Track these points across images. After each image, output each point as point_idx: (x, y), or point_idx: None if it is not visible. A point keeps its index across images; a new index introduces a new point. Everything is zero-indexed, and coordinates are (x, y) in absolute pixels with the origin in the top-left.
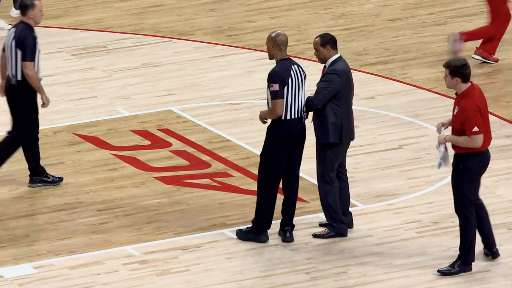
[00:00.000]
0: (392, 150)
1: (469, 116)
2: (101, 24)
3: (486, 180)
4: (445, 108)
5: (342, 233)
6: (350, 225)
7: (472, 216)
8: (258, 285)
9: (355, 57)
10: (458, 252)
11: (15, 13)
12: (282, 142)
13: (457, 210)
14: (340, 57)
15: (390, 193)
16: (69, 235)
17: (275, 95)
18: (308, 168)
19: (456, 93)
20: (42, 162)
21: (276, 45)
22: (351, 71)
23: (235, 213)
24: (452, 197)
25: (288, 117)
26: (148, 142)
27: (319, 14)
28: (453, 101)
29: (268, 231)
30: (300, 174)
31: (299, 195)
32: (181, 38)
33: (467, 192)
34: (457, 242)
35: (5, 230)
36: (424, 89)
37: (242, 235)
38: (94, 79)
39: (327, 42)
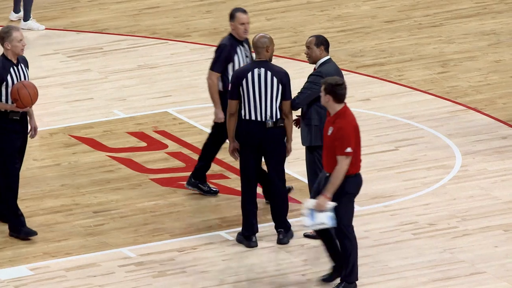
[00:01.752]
0: (388, 151)
1: (345, 136)
2: (97, 26)
3: (482, 181)
4: (441, 110)
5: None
6: None
7: (353, 236)
8: (254, 287)
9: (351, 58)
10: (343, 274)
11: (15, 16)
12: (241, 141)
13: (337, 233)
14: (330, 59)
15: (386, 195)
16: (65, 237)
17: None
18: (302, 170)
19: (328, 113)
20: (38, 164)
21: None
22: (347, 73)
23: (231, 215)
24: (448, 198)
25: (248, 118)
26: (144, 144)
27: (316, 16)
28: (449, 103)
29: (263, 233)
30: (295, 175)
31: (294, 196)
32: (177, 40)
33: (347, 213)
34: (453, 243)
35: (1, 232)
36: (420, 90)
37: (237, 237)
38: (90, 80)
39: (321, 42)
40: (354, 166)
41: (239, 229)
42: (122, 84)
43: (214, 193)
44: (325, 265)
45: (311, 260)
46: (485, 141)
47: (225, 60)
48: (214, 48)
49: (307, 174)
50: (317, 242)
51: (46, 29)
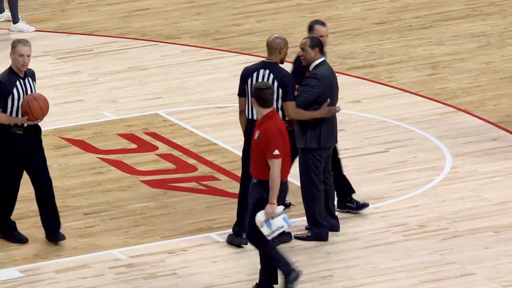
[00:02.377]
0: (378, 153)
1: (271, 139)
2: (88, 28)
3: (472, 183)
4: (431, 112)
5: (322, 238)
6: (336, 228)
7: (268, 239)
8: None
9: (341, 60)
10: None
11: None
12: (245, 138)
13: (251, 238)
14: (324, 61)
15: (377, 197)
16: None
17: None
18: (294, 172)
19: (256, 119)
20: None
21: None
22: (337, 75)
23: (221, 217)
24: (438, 200)
25: (249, 117)
26: (134, 146)
27: (306, 18)
28: (439, 104)
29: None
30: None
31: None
32: (168, 42)
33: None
34: (444, 245)
35: None
36: (410, 92)
37: (228, 238)
38: (81, 82)
39: (316, 44)
40: (282, 173)
41: (230, 231)
42: (112, 86)
43: (364, 206)
44: (316, 266)
45: (301, 261)
46: (475, 143)
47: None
48: (205, 50)
49: (300, 176)
50: (308, 244)
51: (36, 31)
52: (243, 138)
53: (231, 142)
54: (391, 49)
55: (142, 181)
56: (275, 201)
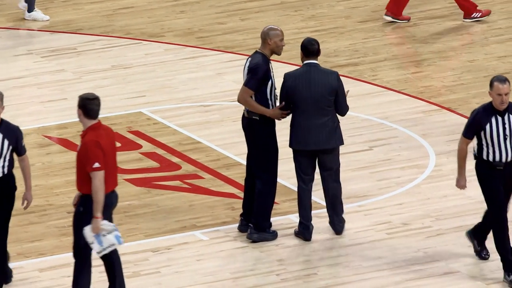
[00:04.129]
0: (362, 151)
1: (89, 151)
2: (71, 26)
3: (455, 181)
4: (415, 110)
5: (305, 237)
6: (337, 231)
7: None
8: (228, 287)
9: (325, 58)
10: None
11: (23, 5)
12: None
13: (75, 254)
14: (305, 64)
15: (360, 195)
16: (39, 237)
17: None
18: (280, 170)
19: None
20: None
21: None
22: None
23: (205, 215)
24: (422, 198)
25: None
26: (118, 144)
27: (290, 16)
28: (423, 102)
29: (238, 233)
30: None
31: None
32: (152, 40)
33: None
34: (427, 243)
35: None
36: (394, 90)
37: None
38: (64, 81)
39: (302, 48)
40: (107, 185)
41: (214, 229)
42: (96, 84)
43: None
44: (300, 265)
45: (286, 260)
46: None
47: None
48: (189, 49)
49: None
50: (292, 242)
51: (18, 29)
52: (226, 136)
53: (215, 140)
54: (375, 47)
55: (126, 180)
56: (99, 215)
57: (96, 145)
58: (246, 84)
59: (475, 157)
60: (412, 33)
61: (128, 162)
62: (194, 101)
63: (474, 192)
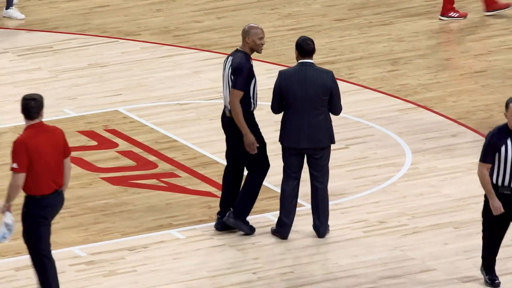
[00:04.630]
0: (338, 149)
1: (13, 151)
2: (48, 25)
3: (432, 179)
4: (392, 108)
5: (281, 235)
6: (320, 235)
7: (51, 258)
8: (205, 285)
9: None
10: None
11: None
12: None
13: (34, 255)
14: (299, 63)
15: (337, 193)
16: (15, 236)
17: None
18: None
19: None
20: None
21: None
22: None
23: (182, 214)
24: (399, 196)
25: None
26: (94, 143)
27: (266, 14)
28: (399, 101)
29: (214, 231)
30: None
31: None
32: (128, 39)
33: (38, 236)
34: (404, 241)
35: None
36: (371, 88)
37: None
38: (41, 79)
39: (297, 47)
40: (35, 188)
41: (191, 227)
42: (73, 83)
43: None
44: (276, 263)
45: (262, 258)
46: (435, 139)
47: None
48: (165, 47)
49: None
50: (269, 241)
51: None
52: (203, 135)
53: (192, 139)
54: (352, 45)
55: (103, 178)
56: (6, 204)
57: (20, 146)
58: (234, 86)
59: None
60: (388, 31)
61: (104, 161)
62: (171, 99)
63: (450, 190)
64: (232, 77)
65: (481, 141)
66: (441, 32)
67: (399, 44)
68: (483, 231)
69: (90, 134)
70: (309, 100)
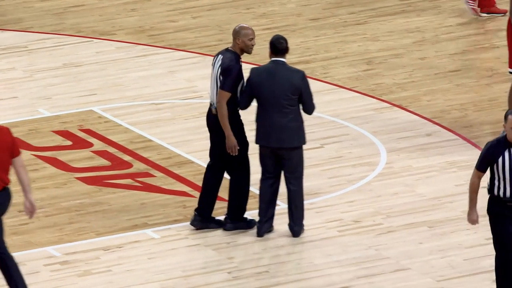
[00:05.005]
0: (313, 149)
1: None
2: (22, 24)
3: (406, 178)
4: (365, 108)
5: (257, 232)
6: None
7: (10, 255)
8: (180, 285)
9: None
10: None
11: None
12: None
13: None
14: (271, 61)
15: (312, 192)
16: None
17: None
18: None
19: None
20: None
21: None
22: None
23: (157, 213)
24: (373, 195)
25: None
26: (69, 143)
27: (241, 14)
28: (374, 100)
29: (190, 231)
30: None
31: (221, 194)
32: (103, 38)
33: None
34: (378, 240)
35: None
36: (346, 88)
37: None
38: (15, 79)
39: (270, 45)
40: None
41: (166, 227)
42: (47, 82)
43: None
44: (251, 262)
45: (237, 257)
46: (410, 138)
47: None
48: (140, 47)
49: None
50: (243, 240)
51: None
52: (177, 135)
53: (167, 138)
54: (326, 45)
55: (77, 178)
56: None
57: None
58: (222, 87)
59: (488, 192)
60: (363, 30)
61: (79, 161)
62: (146, 99)
63: (425, 189)
64: (221, 77)
65: (456, 140)
66: (416, 31)
67: (374, 44)
68: (496, 251)
69: (65, 134)
70: (277, 99)
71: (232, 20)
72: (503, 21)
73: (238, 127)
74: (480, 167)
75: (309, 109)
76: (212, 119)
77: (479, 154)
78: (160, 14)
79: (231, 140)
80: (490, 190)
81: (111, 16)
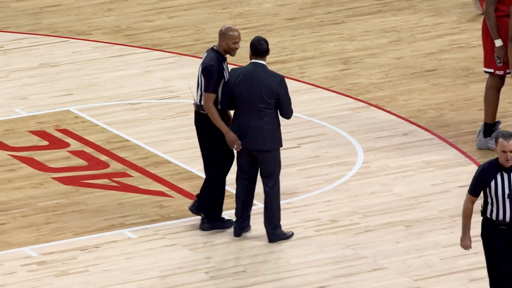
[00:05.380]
0: (290, 149)
1: None
2: None
3: (383, 178)
4: (342, 107)
5: (234, 232)
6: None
7: None
8: (157, 285)
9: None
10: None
11: None
12: None
13: None
14: (251, 63)
15: (289, 192)
16: None
17: None
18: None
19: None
20: None
21: None
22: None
23: (134, 213)
24: (350, 195)
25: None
26: (46, 143)
27: (217, 14)
28: (351, 100)
29: (167, 231)
30: (197, 173)
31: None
32: (79, 38)
33: None
34: (355, 240)
35: None
36: (322, 87)
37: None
38: None
39: (250, 46)
40: None
41: (143, 227)
42: (24, 82)
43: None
44: (229, 262)
45: (215, 257)
46: (387, 138)
47: None
48: (117, 46)
49: None
50: (220, 240)
51: None
52: (154, 134)
53: (143, 138)
54: (303, 44)
55: (54, 178)
56: None
57: None
58: (205, 90)
59: (481, 214)
60: (340, 30)
61: (56, 161)
62: (122, 99)
63: (401, 188)
64: (202, 77)
65: (433, 139)
66: (392, 31)
67: (350, 43)
68: (489, 273)
69: (41, 134)
70: (254, 101)
71: (208, 20)
72: (478, 21)
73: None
74: (473, 191)
75: (287, 114)
76: (195, 116)
77: (455, 153)
78: (136, 14)
79: (230, 136)
80: (483, 212)
81: (87, 16)
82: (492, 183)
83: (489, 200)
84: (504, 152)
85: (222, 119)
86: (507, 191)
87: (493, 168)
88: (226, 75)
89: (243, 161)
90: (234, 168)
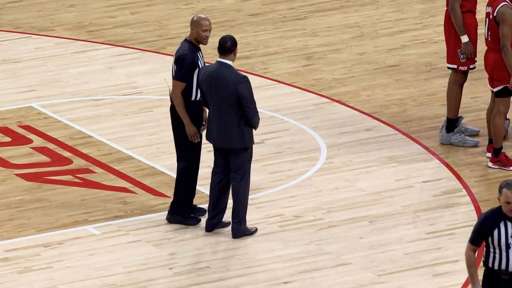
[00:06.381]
0: (254, 144)
1: None
2: None
3: (347, 173)
4: (305, 103)
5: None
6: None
7: None
8: (121, 281)
9: (216, 52)
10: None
11: None
12: None
13: None
14: (216, 62)
15: (253, 188)
16: None
17: None
18: (170, 164)
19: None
20: None
21: None
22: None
23: (97, 209)
24: (314, 190)
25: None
26: (8, 139)
27: (180, 9)
28: (314, 95)
29: (130, 227)
30: (162, 169)
31: (162, 190)
32: (41, 34)
33: None
34: (319, 235)
35: None
36: (285, 83)
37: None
38: None
39: (218, 45)
40: None
41: (106, 223)
42: None
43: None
44: (193, 258)
45: (179, 253)
46: (350, 133)
47: None
48: (79, 42)
49: None
50: (184, 236)
51: None
52: (118, 130)
53: (107, 134)
54: (266, 40)
55: (17, 175)
56: None
57: None
58: (175, 77)
59: (483, 264)
60: (303, 26)
61: (18, 157)
62: (85, 95)
63: (365, 184)
64: (175, 67)
65: (396, 135)
66: (355, 26)
67: (313, 39)
68: None
69: (4, 130)
70: (220, 100)
71: (171, 15)
72: (441, 16)
73: (190, 117)
74: (474, 241)
75: (249, 115)
76: (170, 108)
77: (418, 149)
78: (99, 10)
79: (190, 128)
80: (485, 262)
81: (49, 12)
82: (495, 232)
83: (491, 249)
84: (508, 203)
85: (193, 109)
86: (510, 241)
87: (496, 217)
88: (201, 64)
89: (217, 157)
90: (209, 163)
